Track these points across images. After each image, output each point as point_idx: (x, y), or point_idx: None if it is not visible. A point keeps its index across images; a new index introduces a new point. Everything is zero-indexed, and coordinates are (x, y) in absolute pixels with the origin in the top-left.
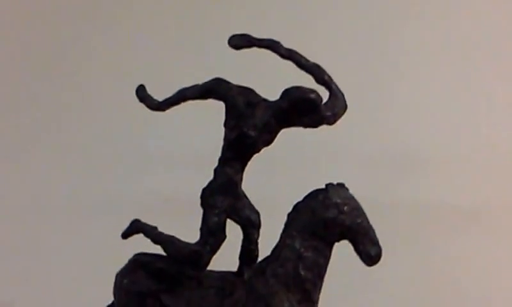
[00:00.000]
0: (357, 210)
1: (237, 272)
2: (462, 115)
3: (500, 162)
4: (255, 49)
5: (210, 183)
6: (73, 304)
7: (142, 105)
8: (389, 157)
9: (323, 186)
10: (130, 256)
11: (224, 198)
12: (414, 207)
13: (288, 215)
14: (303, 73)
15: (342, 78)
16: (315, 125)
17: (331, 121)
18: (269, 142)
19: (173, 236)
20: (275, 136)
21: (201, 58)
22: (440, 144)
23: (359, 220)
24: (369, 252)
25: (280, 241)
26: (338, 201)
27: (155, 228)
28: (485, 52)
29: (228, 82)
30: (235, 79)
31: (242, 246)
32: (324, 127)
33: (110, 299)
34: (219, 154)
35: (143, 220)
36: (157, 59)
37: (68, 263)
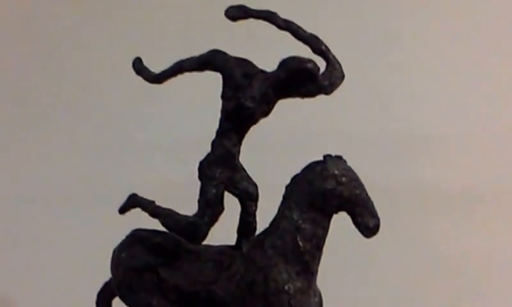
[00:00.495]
0: (355, 181)
1: (235, 245)
2: (462, 97)
3: (501, 144)
4: (251, 20)
5: (208, 155)
6: (70, 294)
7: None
8: (388, 139)
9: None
10: None
11: (222, 170)
12: (413, 189)
13: (287, 187)
14: (300, 44)
15: (340, 56)
16: (312, 95)
17: (328, 90)
18: (266, 113)
19: (170, 210)
20: (273, 107)
21: (197, 30)
22: (439, 126)
23: (357, 192)
24: (367, 224)
25: (278, 213)
26: (336, 172)
27: (153, 201)
28: (486, 36)
29: (225, 54)
30: (232, 51)
31: (240, 219)
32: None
33: None
34: None
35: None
36: (154, 36)
37: (65, 253)
